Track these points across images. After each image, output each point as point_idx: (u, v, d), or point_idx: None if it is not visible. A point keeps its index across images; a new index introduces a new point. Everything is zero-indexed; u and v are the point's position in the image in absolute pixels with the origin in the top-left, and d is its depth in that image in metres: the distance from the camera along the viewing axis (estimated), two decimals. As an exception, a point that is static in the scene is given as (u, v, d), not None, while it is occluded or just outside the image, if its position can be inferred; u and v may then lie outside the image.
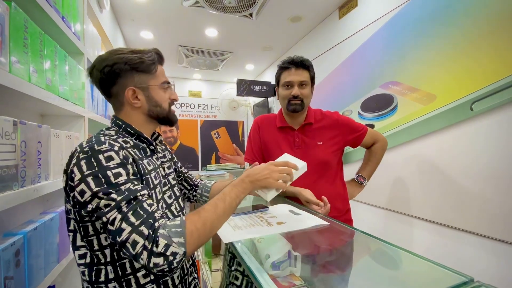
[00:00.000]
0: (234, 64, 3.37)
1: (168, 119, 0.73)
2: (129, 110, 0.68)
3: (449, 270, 0.51)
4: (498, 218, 1.04)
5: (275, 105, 3.28)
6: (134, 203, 0.51)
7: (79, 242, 0.59)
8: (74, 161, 0.54)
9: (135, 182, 0.55)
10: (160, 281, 0.62)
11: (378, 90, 1.61)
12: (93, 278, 0.58)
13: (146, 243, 0.47)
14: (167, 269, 0.47)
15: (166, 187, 0.71)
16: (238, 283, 0.95)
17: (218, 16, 2.20)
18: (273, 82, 3.30)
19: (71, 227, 0.60)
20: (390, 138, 1.29)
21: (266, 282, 0.52)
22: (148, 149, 0.70)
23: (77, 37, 1.23)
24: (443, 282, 0.50)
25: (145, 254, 0.46)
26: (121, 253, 0.52)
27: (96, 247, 0.58)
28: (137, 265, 0.60)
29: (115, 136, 0.63)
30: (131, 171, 0.56)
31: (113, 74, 0.64)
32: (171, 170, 0.80)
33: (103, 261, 0.58)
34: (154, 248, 0.46)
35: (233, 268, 0.96)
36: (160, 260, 0.46)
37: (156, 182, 0.64)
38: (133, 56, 0.64)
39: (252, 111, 3.92)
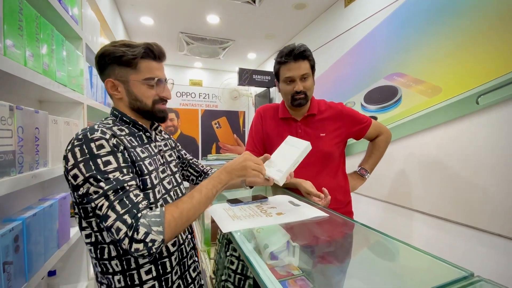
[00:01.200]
0: (236, 52, 3.30)
1: (153, 115, 0.73)
2: (116, 101, 0.71)
3: (448, 264, 0.51)
4: (500, 213, 1.03)
5: (277, 95, 3.24)
6: (121, 192, 0.55)
7: (83, 223, 0.63)
8: (69, 147, 0.58)
9: (125, 171, 0.58)
10: (159, 262, 0.66)
11: (383, 81, 1.58)
12: (99, 256, 0.63)
13: (128, 231, 0.51)
14: (147, 253, 0.52)
15: (165, 174, 0.73)
16: (233, 267, 0.96)
17: (220, 2, 2.14)
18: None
19: (76, 210, 0.64)
20: (393, 131, 1.27)
21: (262, 271, 0.52)
22: (144, 136, 0.72)
23: (75, 21, 1.19)
24: (443, 276, 0.50)
25: (126, 240, 0.51)
26: (108, 235, 0.60)
27: (95, 228, 0.62)
28: None
29: (111, 125, 0.66)
30: (121, 159, 0.59)
31: (100, 66, 0.69)
32: (173, 158, 0.82)
33: (104, 241, 0.63)
34: (135, 235, 0.51)
35: (228, 253, 0.98)
36: (140, 246, 0.51)
37: (151, 168, 0.66)
38: (118, 49, 0.66)
39: (254, 101, 3.88)
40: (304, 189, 0.97)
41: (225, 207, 0.85)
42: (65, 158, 0.57)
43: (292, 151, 0.80)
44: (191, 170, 0.95)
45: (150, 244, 0.52)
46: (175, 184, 0.77)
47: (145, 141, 0.71)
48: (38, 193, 1.12)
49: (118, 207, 0.53)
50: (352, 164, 1.16)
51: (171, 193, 0.73)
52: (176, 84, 3.95)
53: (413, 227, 1.38)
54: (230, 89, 3.85)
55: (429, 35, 1.31)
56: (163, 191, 0.70)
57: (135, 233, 0.51)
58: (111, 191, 0.54)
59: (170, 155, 0.81)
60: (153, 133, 0.78)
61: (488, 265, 1.06)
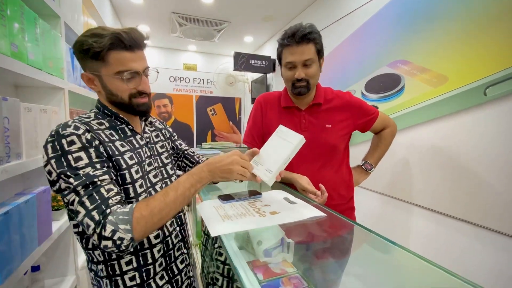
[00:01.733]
0: (232, 35, 3.15)
1: (132, 109, 0.69)
2: (97, 93, 0.69)
3: (459, 279, 0.45)
4: (506, 210, 1.00)
5: (274, 82, 3.14)
6: (91, 187, 0.54)
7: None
8: (44, 143, 0.58)
9: (97, 166, 0.57)
10: (139, 253, 0.66)
11: (385, 69, 1.50)
12: (84, 245, 0.65)
13: (96, 228, 0.51)
14: (116, 251, 0.52)
15: (152, 167, 0.72)
16: (222, 258, 0.94)
17: (214, -21, 1.98)
18: (273, 56, 3.13)
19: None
20: (394, 122, 1.21)
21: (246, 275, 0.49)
22: (127, 129, 0.70)
23: (50, -4, 1.07)
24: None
25: (95, 236, 0.51)
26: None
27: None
28: None
29: (91, 118, 0.66)
30: (93, 154, 0.58)
31: (76, 57, 0.66)
32: (165, 149, 0.80)
33: None
34: (103, 233, 0.51)
35: (216, 245, 0.95)
36: (109, 243, 0.51)
37: (131, 162, 0.65)
38: (86, 41, 0.61)
39: (250, 87, 3.76)
40: (300, 186, 0.92)
41: (216, 204, 0.80)
42: (43, 153, 0.58)
43: (283, 145, 0.73)
44: (186, 161, 0.92)
45: (118, 242, 0.51)
46: (165, 176, 0.76)
47: (128, 134, 0.70)
48: (19, 186, 1.05)
49: (87, 203, 0.53)
50: (353, 155, 1.11)
51: (158, 186, 0.71)
52: (169, 69, 3.81)
53: (413, 222, 1.35)
54: (225, 74, 3.71)
55: (437, 21, 1.22)
56: (148, 185, 0.68)
57: (103, 230, 0.51)
58: (81, 186, 0.54)
59: (162, 146, 0.79)
60: (142, 124, 0.75)
61: (487, 262, 1.04)
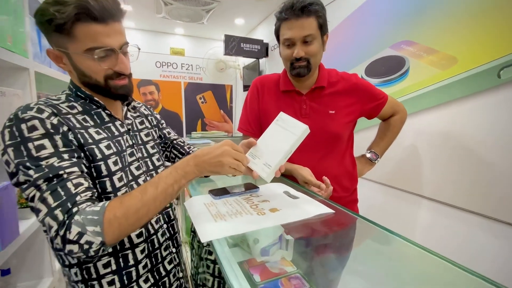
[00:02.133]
0: (222, 17, 2.96)
1: (109, 93, 0.60)
2: (68, 73, 0.60)
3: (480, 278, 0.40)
4: None
5: (267, 68, 2.99)
6: (55, 181, 0.47)
7: None
8: (1, 128, 0.50)
9: (65, 156, 0.50)
10: (119, 254, 0.59)
11: (388, 51, 1.40)
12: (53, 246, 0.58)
13: (59, 229, 0.44)
14: (84, 256, 0.46)
15: (134, 158, 0.65)
16: (212, 257, 0.88)
17: (201, -50, 1.79)
18: (266, 40, 2.97)
19: None
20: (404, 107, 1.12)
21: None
22: (104, 114, 0.62)
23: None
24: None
25: (58, 239, 0.44)
26: None
27: None
28: None
29: (61, 101, 0.58)
30: (60, 142, 0.50)
31: (39, 28, 0.55)
32: (151, 138, 0.73)
33: None
34: (68, 235, 0.44)
35: (205, 243, 0.87)
36: (74, 248, 0.44)
37: (108, 152, 0.57)
38: (48, 10, 0.50)
39: (242, 74, 3.61)
40: (302, 178, 0.83)
41: (206, 200, 0.69)
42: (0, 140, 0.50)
43: (285, 136, 0.62)
44: (175, 152, 0.84)
45: (86, 247, 0.44)
46: (150, 168, 0.69)
47: (106, 119, 0.62)
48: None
49: (49, 199, 0.46)
50: (356, 142, 1.02)
51: (141, 179, 0.64)
52: (155, 53, 3.59)
53: (419, 214, 1.29)
54: (215, 59, 3.53)
55: (446, -4, 1.12)
56: (129, 177, 0.61)
57: (67, 232, 0.44)
58: (42, 180, 0.46)
59: (148, 135, 0.72)
60: (124, 109, 0.68)
61: (493, 254, 1.00)
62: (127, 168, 0.61)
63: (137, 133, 0.69)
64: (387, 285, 0.47)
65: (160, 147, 0.78)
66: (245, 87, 3.48)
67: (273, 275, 0.50)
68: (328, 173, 0.86)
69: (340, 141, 0.94)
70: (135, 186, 0.62)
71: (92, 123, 0.58)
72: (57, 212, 0.45)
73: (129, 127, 0.67)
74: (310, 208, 0.62)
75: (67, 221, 0.44)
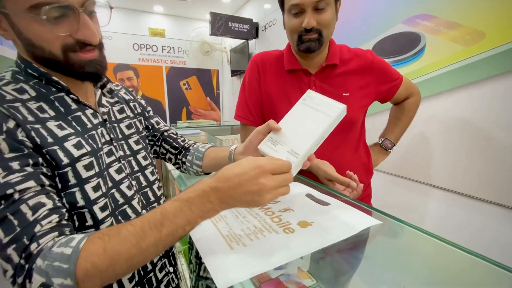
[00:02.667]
0: (206, -7, 2.68)
1: (72, 72, 0.45)
2: (13, 43, 0.45)
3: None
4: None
5: (257, 50, 2.78)
6: (3, 205, 0.34)
7: None
8: None
9: (12, 166, 0.35)
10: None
11: (400, 27, 1.26)
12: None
13: (17, 276, 0.32)
14: None
15: (113, 158, 0.50)
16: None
17: None
18: (256, 19, 2.73)
19: None
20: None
21: None
22: (69, 100, 0.46)
23: None
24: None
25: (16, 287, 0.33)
26: None
27: None
28: None
29: (4, 81, 0.42)
30: (4, 145, 0.36)
31: None
32: (134, 130, 0.59)
33: None
34: (27, 285, 0.32)
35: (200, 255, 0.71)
36: None
37: (78, 153, 0.43)
38: None
39: (229, 57, 3.36)
40: (325, 175, 0.68)
41: (211, 211, 0.53)
42: None
43: (315, 118, 0.49)
44: (166, 146, 0.69)
45: None
46: (135, 169, 0.55)
47: (72, 107, 0.46)
48: None
49: None
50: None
51: (124, 185, 0.50)
52: (132, 34, 3.24)
53: (431, 205, 1.20)
54: (200, 41, 3.25)
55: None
56: (109, 184, 0.48)
57: (27, 281, 0.32)
58: None
59: (130, 126, 0.58)
60: (97, 93, 0.53)
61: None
62: (105, 172, 0.47)
63: (116, 125, 0.55)
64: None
65: (147, 141, 0.64)
66: (233, 72, 3.26)
67: None
68: (344, 165, 0.75)
69: (355, 129, 0.83)
70: (116, 195, 0.48)
71: (52, 114, 0.43)
72: (10, 251, 0.33)
73: (105, 117, 0.52)
74: (352, 219, 0.48)
75: (26, 266, 0.32)
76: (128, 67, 3.19)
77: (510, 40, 0.90)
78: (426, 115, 1.15)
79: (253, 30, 2.66)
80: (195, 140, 0.74)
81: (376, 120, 1.10)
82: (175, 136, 0.70)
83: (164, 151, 0.70)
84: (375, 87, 0.81)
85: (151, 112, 0.69)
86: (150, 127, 0.67)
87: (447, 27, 1.08)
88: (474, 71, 1.00)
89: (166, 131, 0.70)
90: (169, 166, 0.98)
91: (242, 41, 2.87)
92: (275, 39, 2.37)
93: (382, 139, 0.93)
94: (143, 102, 0.69)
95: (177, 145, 0.69)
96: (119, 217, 0.48)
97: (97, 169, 0.45)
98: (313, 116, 0.49)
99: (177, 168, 0.73)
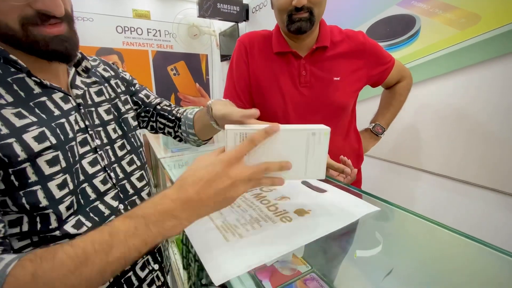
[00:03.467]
0: (193, -28, 2.53)
1: (34, 50, 0.38)
2: None
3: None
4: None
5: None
6: None
7: None
8: None
9: None
10: None
11: (395, 9, 1.22)
12: None
13: None
14: None
15: (87, 148, 0.45)
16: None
17: None
18: (246, 1, 2.62)
19: None
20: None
21: None
22: (31, 83, 0.40)
23: None
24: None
25: None
26: None
27: None
28: None
29: None
30: None
31: None
32: (111, 117, 0.52)
33: None
34: None
35: (193, 249, 0.71)
36: None
37: (40, 146, 0.37)
38: None
39: (218, 41, 3.24)
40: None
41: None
42: None
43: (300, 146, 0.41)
44: (163, 120, 0.65)
45: None
46: (112, 160, 0.50)
47: (36, 91, 0.40)
48: None
49: None
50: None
51: (98, 179, 0.45)
52: (115, 16, 3.05)
53: (424, 190, 1.22)
54: (187, 24, 3.11)
55: None
56: (81, 178, 0.43)
57: None
58: None
59: (108, 111, 0.52)
60: (71, 72, 0.47)
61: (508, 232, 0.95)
62: (77, 165, 0.42)
63: (92, 109, 0.49)
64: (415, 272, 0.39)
65: (137, 121, 0.60)
66: (223, 57, 3.15)
67: (285, 279, 0.41)
68: (334, 152, 0.74)
69: (345, 114, 0.83)
70: (88, 190, 0.43)
71: (9, 99, 0.36)
72: None
73: (79, 100, 0.46)
74: (351, 207, 0.47)
75: None
76: (112, 51, 3.03)
77: (505, 23, 0.89)
78: (420, 100, 1.14)
79: (243, 12, 2.55)
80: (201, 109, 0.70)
81: (367, 106, 1.08)
82: (169, 108, 0.65)
83: (162, 126, 0.66)
84: (367, 71, 0.80)
85: (137, 86, 0.64)
86: (140, 102, 0.62)
87: (443, 9, 1.05)
88: (466, 56, 0.99)
89: (158, 104, 0.65)
90: (158, 154, 0.95)
91: (232, 24, 2.76)
92: (266, 22, 2.29)
93: (373, 124, 0.92)
94: (127, 76, 0.63)
95: (173, 117, 0.64)
96: (91, 214, 0.43)
97: (63, 164, 0.39)
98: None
99: (180, 141, 0.70)
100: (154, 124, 0.66)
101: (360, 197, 0.51)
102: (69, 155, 0.41)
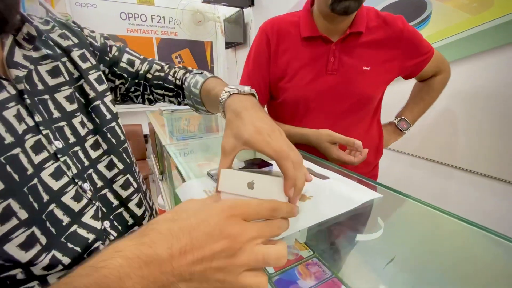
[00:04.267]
0: (197, -45, 2.46)
1: None
2: None
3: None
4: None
5: (253, 20, 2.63)
6: None
7: None
8: None
9: None
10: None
11: (406, -8, 1.18)
12: None
13: None
14: None
15: (44, 154, 0.32)
16: None
17: None
18: (251, -15, 2.55)
19: None
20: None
21: None
22: None
23: None
24: None
25: None
26: None
27: None
28: None
29: None
30: None
31: None
32: (76, 106, 0.38)
33: None
34: None
35: None
36: None
37: None
38: None
39: (223, 28, 3.19)
40: (328, 138, 0.67)
41: (207, 185, 0.51)
42: None
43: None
44: (159, 91, 0.54)
45: None
46: (85, 165, 0.38)
47: None
48: None
49: None
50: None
51: (67, 196, 0.33)
52: (118, 2, 3.01)
53: (453, 188, 1.12)
54: (191, 10, 3.06)
55: None
56: (45, 198, 0.31)
57: None
58: None
59: (71, 98, 0.38)
60: (8, 42, 0.32)
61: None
62: (34, 181, 0.30)
63: (46, 97, 0.35)
64: (423, 263, 0.38)
65: (128, 95, 0.51)
66: (228, 44, 3.11)
67: (288, 263, 0.42)
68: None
69: (371, 106, 0.77)
70: (57, 213, 0.32)
71: None
72: None
73: (21, 86, 0.32)
74: (352, 193, 0.47)
75: None
76: (116, 39, 3.01)
77: (519, 8, 0.85)
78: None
79: (249, -2, 2.49)
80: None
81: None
82: (163, 75, 0.53)
83: (160, 97, 0.55)
84: (401, 62, 0.73)
85: (114, 50, 0.49)
86: (124, 75, 0.49)
87: (456, -8, 1.01)
88: (478, 42, 0.96)
89: (148, 72, 0.53)
90: (163, 140, 0.96)
91: (237, 9, 2.70)
92: (273, 7, 2.23)
93: (399, 118, 0.86)
94: (98, 39, 0.46)
95: (171, 86, 0.53)
96: (69, 245, 0.32)
97: (5, 181, 0.27)
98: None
99: (178, 103, 0.59)
100: (150, 96, 0.55)
101: (372, 187, 0.51)
102: (10, 169, 0.28)
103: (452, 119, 1.07)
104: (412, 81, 0.90)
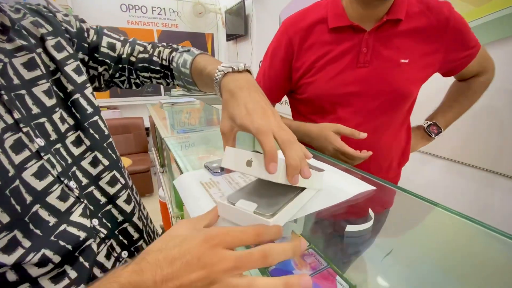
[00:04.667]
0: None
1: None
2: None
3: None
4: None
5: (255, 12, 2.59)
6: None
7: None
8: None
9: None
10: None
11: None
12: None
13: None
14: None
15: (26, 153, 0.31)
16: None
17: None
18: (252, -24, 2.50)
19: None
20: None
21: None
22: None
23: None
24: None
25: None
26: None
27: None
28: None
29: None
30: None
31: None
32: (55, 100, 0.36)
33: None
34: None
35: None
36: None
37: None
38: None
39: (224, 19, 3.15)
40: (334, 128, 0.62)
41: (204, 177, 0.52)
42: None
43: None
44: (146, 74, 0.51)
45: None
46: (69, 162, 0.36)
47: None
48: None
49: None
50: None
51: (52, 196, 0.32)
52: (118, -7, 2.99)
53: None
54: (192, 1, 3.02)
55: None
56: (28, 199, 0.29)
57: None
58: None
59: (49, 92, 0.36)
60: None
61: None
62: (16, 183, 0.29)
63: (23, 93, 0.32)
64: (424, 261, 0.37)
65: (112, 82, 0.49)
66: (229, 36, 3.08)
67: None
68: (380, 150, 0.65)
69: (405, 105, 0.67)
70: (43, 214, 0.31)
71: None
72: None
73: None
74: (346, 185, 0.48)
75: None
76: (117, 31, 2.99)
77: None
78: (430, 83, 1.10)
79: (250, -11, 2.45)
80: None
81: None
82: (147, 56, 0.50)
83: (147, 80, 0.53)
84: (444, 55, 0.62)
85: (92, 35, 0.44)
86: (107, 60, 0.46)
87: (460, -17, 0.99)
88: (484, 33, 0.95)
89: (131, 55, 0.49)
90: (163, 133, 0.96)
91: (238, 1, 2.66)
92: (274, -2, 2.20)
93: (429, 122, 0.76)
94: (73, 23, 0.42)
95: (157, 67, 0.50)
96: (60, 242, 0.32)
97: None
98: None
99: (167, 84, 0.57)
100: (137, 80, 0.53)
101: (367, 180, 0.52)
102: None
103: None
104: (440, 78, 0.76)
